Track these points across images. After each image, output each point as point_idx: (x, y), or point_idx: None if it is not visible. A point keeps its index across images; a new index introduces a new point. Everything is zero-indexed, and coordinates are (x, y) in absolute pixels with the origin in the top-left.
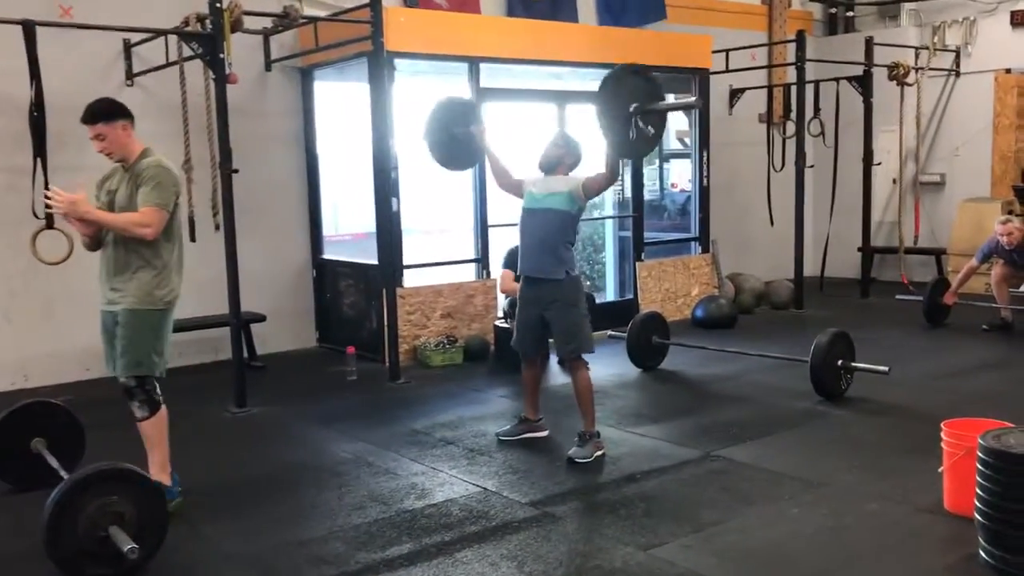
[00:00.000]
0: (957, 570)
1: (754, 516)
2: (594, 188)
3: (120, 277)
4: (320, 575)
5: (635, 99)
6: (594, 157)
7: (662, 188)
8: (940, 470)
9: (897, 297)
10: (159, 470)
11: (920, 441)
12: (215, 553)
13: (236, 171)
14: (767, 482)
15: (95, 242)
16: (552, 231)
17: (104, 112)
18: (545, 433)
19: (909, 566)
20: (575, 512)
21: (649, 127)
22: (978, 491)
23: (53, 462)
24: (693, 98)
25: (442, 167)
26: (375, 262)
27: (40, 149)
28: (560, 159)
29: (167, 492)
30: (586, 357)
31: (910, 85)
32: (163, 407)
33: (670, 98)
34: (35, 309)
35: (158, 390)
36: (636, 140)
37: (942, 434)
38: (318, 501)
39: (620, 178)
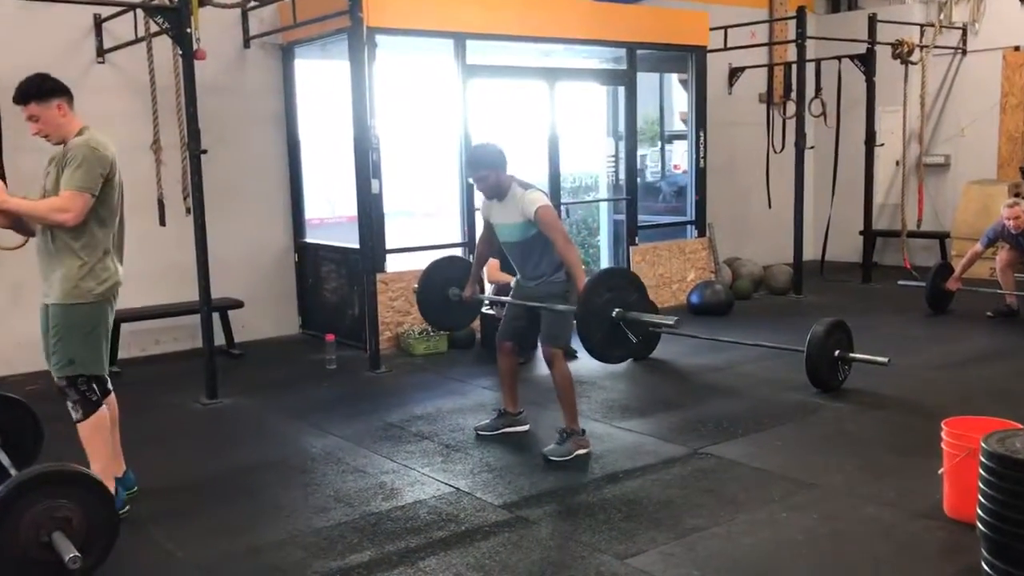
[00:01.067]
0: None
1: (741, 521)
2: (545, 232)
3: (48, 268)
4: None
5: (619, 304)
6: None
7: (663, 170)
8: (940, 472)
9: (899, 283)
10: (102, 479)
11: (919, 439)
12: (163, 559)
13: (204, 152)
14: (756, 482)
15: (21, 230)
16: (533, 253)
17: (36, 91)
18: (526, 427)
19: None
20: (550, 516)
21: (631, 334)
22: (980, 498)
23: (4, 460)
24: (672, 319)
25: (436, 328)
26: (357, 246)
27: None
28: (497, 182)
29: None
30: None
31: (915, 64)
32: (101, 408)
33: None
34: (3, 295)
35: (96, 389)
36: (616, 344)
37: (942, 434)
38: (280, 502)
39: (615, 159)
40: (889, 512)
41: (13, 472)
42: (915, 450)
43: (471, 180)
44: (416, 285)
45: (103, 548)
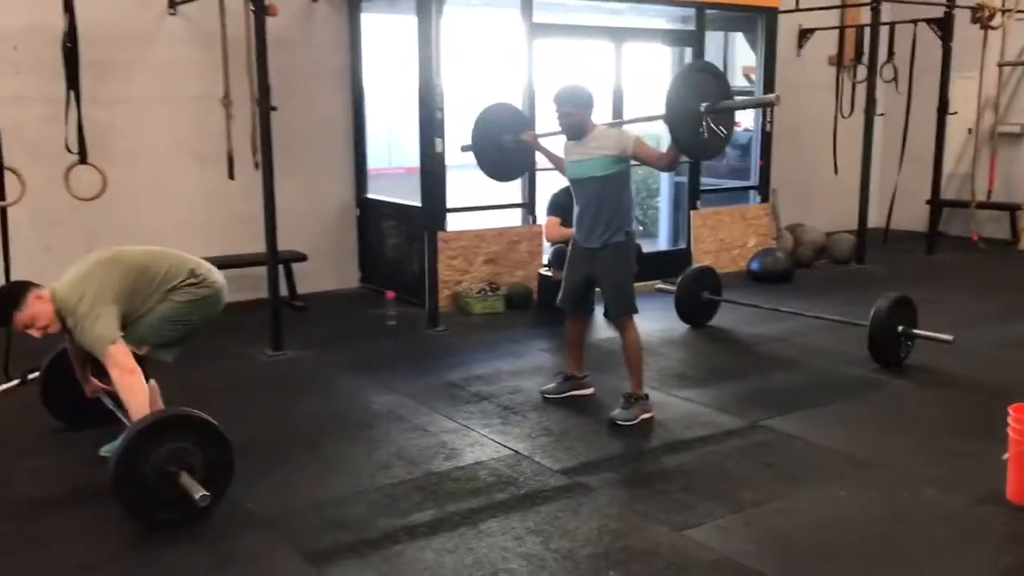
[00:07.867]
0: (1018, 570)
1: (798, 497)
2: (643, 159)
3: None
4: (336, 542)
5: (704, 98)
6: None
7: None
8: (1004, 457)
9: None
10: None
11: (984, 421)
12: (231, 514)
13: (275, 108)
14: (814, 458)
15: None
16: (603, 198)
17: (11, 302)
18: (591, 391)
19: (964, 564)
20: (608, 483)
21: (720, 127)
22: None
23: (109, 403)
24: (772, 95)
25: (491, 178)
26: (418, 203)
27: (73, 81)
28: (581, 121)
29: None
30: None
31: (995, 28)
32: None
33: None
34: (76, 240)
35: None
36: (708, 139)
37: (1008, 419)
38: (344, 458)
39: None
40: (950, 495)
41: (122, 415)
42: (978, 432)
43: (561, 117)
44: (470, 138)
45: (221, 487)
